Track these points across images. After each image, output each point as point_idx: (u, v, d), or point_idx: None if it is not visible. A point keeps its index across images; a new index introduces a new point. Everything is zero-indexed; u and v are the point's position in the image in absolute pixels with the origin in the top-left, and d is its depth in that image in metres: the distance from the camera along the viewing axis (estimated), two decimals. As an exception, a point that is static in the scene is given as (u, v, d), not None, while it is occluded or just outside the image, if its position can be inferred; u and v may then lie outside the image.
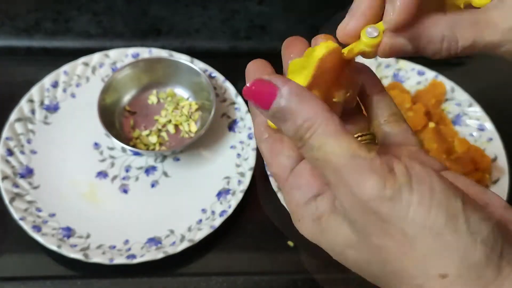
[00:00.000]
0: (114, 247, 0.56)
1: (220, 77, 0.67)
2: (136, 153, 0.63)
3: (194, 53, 0.70)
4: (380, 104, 0.30)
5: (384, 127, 0.30)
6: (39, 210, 0.58)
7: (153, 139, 0.64)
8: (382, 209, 0.23)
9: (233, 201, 0.58)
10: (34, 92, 0.65)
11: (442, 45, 0.28)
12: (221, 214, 0.58)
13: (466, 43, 0.28)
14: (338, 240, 0.26)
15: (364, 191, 0.23)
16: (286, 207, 0.29)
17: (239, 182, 0.60)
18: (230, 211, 0.57)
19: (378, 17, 0.29)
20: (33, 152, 0.62)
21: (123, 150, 0.63)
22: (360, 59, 0.30)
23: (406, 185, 0.23)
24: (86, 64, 0.68)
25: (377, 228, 0.24)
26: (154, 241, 0.57)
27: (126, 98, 0.67)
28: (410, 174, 0.24)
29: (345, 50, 0.29)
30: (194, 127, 0.65)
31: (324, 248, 0.28)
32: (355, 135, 0.30)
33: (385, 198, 0.23)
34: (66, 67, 0.67)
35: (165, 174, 0.62)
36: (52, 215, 0.58)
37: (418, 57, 0.75)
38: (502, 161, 0.63)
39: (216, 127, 0.65)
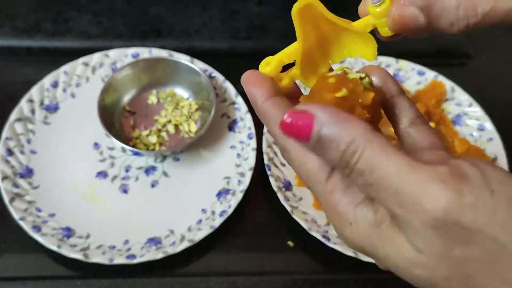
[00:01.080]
0: (114, 247, 0.56)
1: (220, 77, 0.67)
2: (136, 153, 0.63)
3: (194, 53, 0.70)
4: (403, 106, 0.28)
5: (410, 131, 0.28)
6: (39, 210, 0.58)
7: (153, 139, 0.64)
8: (465, 217, 0.21)
9: (233, 201, 0.58)
10: (34, 92, 0.65)
11: (458, 13, 0.25)
12: (221, 214, 0.58)
13: (484, 10, 0.25)
14: (402, 256, 0.23)
15: (440, 205, 0.21)
16: (325, 211, 0.27)
17: (239, 182, 0.60)
18: (230, 211, 0.57)
19: None
20: (33, 152, 0.62)
21: (123, 150, 0.63)
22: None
23: (486, 188, 0.21)
24: (86, 64, 0.68)
25: (460, 240, 0.21)
26: (154, 241, 0.57)
27: (126, 98, 0.67)
28: (487, 176, 0.21)
29: (360, 25, 0.28)
30: (194, 127, 0.65)
31: (379, 257, 0.25)
32: None
33: (466, 206, 0.21)
34: (66, 67, 0.67)
35: (165, 174, 0.62)
36: (52, 215, 0.58)
37: (418, 57, 0.75)
38: (502, 161, 0.63)
39: (216, 127, 0.65)
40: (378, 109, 0.27)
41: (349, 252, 0.54)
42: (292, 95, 0.29)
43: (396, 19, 0.26)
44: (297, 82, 0.31)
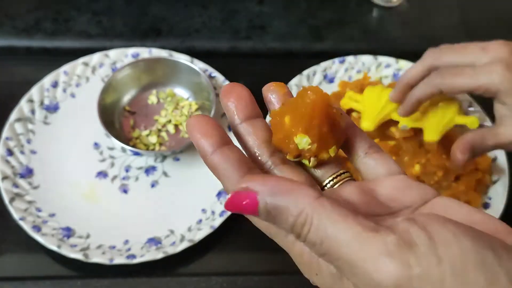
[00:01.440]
0: (114, 247, 0.56)
1: (220, 77, 0.67)
2: (136, 153, 0.63)
3: (194, 53, 0.70)
4: (356, 139, 0.29)
5: (365, 160, 0.28)
6: (39, 210, 0.58)
7: (153, 139, 0.64)
8: None
9: (233, 201, 0.58)
10: (34, 92, 0.65)
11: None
12: (221, 214, 0.58)
13: (491, 145, 0.50)
14: None
15: (389, 278, 0.21)
16: (296, 263, 0.27)
17: (239, 182, 0.60)
18: (230, 211, 0.57)
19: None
20: (33, 152, 0.62)
21: (123, 150, 0.63)
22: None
23: (433, 257, 0.21)
24: (86, 64, 0.68)
25: None
26: (154, 241, 0.57)
27: (126, 98, 0.67)
28: (434, 241, 0.21)
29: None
30: (194, 127, 0.65)
31: None
32: (332, 176, 0.28)
33: (414, 277, 0.21)
34: (66, 67, 0.67)
35: (165, 174, 0.62)
36: (52, 215, 0.58)
37: (418, 57, 0.75)
38: (502, 161, 0.63)
39: (216, 127, 0.65)
40: (344, 130, 0.28)
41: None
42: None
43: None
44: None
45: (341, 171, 0.28)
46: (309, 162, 0.28)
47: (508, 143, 0.50)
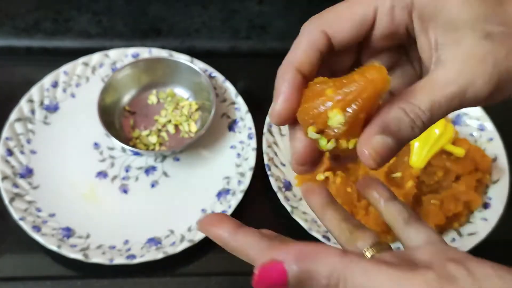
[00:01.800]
0: (114, 247, 0.56)
1: (220, 77, 0.67)
2: (136, 153, 0.63)
3: (194, 53, 0.70)
4: (395, 208, 0.30)
5: (407, 230, 0.29)
6: (39, 210, 0.58)
7: (153, 139, 0.64)
8: None
9: (233, 201, 0.58)
10: (34, 92, 0.65)
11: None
12: (221, 214, 0.57)
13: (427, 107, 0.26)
14: None
15: None
16: None
17: (239, 182, 0.60)
18: (230, 211, 0.57)
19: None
20: (33, 152, 0.62)
21: (123, 150, 0.63)
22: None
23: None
24: (86, 64, 0.68)
25: None
26: (154, 241, 0.57)
27: (126, 98, 0.66)
28: (474, 275, 0.22)
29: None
30: (194, 127, 0.65)
31: None
32: (370, 246, 0.28)
33: None
34: (66, 67, 0.67)
35: (165, 174, 0.62)
36: (52, 215, 0.58)
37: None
38: (502, 161, 0.63)
39: (216, 127, 0.65)
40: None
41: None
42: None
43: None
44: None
45: (379, 242, 0.29)
46: (327, 142, 0.25)
47: (455, 96, 0.26)
